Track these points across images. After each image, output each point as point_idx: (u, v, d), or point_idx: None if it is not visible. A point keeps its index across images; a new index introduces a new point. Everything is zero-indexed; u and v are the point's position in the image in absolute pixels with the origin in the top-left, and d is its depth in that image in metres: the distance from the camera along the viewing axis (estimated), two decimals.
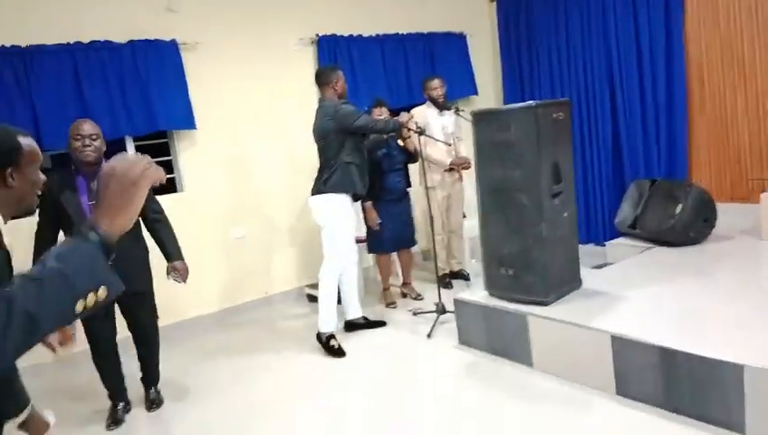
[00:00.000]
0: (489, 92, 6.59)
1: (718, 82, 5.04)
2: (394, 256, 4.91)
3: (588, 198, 5.92)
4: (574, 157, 5.80)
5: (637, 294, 3.30)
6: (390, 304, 4.75)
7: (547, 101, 3.30)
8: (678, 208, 4.11)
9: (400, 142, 4.47)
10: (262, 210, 5.10)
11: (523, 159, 3.20)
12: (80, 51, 4.13)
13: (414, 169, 4.93)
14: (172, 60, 4.52)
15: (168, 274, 3.36)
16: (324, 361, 3.86)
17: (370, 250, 4.75)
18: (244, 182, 5.01)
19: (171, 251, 3.37)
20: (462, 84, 6.17)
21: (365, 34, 5.53)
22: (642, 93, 5.37)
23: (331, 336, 3.94)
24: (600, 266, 4.09)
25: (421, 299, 4.79)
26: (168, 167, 4.76)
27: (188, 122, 4.61)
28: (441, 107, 4.82)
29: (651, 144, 5.39)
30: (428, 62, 5.93)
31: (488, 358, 3.49)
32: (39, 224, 3.07)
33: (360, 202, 4.43)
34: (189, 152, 4.76)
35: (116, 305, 3.30)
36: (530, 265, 3.28)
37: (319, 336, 3.97)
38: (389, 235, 4.58)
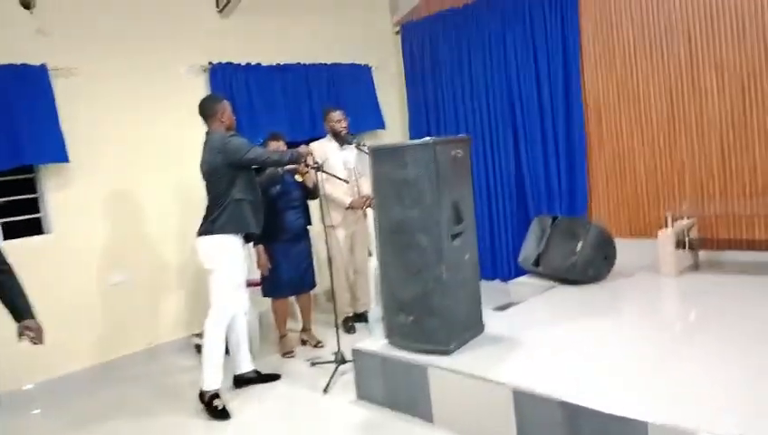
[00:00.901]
0: (397, 126, 6.47)
1: (616, 121, 5.15)
2: (293, 299, 4.57)
3: (493, 233, 5.88)
4: (479, 191, 5.88)
5: (540, 338, 3.16)
6: (287, 354, 4.38)
7: (446, 138, 3.15)
8: (579, 246, 4.06)
9: (298, 178, 4.19)
10: (147, 251, 4.62)
11: (421, 199, 3.00)
12: None
13: (315, 205, 4.65)
14: (41, 86, 4.02)
15: (19, 336, 2.79)
16: (206, 425, 3.43)
17: (266, 294, 4.38)
18: (126, 220, 4.53)
19: (21, 308, 2.78)
20: (368, 117, 6.01)
21: (264, 63, 5.25)
22: (543, 131, 5.41)
23: (215, 395, 3.52)
24: (502, 308, 3.95)
25: (321, 347, 4.46)
26: (33, 206, 4.21)
27: (59, 155, 4.10)
28: (342, 141, 4.59)
29: (553, 180, 5.42)
30: (333, 94, 5.72)
31: (387, 414, 3.21)
32: None
33: (252, 243, 4.09)
34: (60, 189, 4.23)
35: None
36: (431, 311, 3.06)
37: (202, 395, 3.54)
38: (286, 277, 4.25)
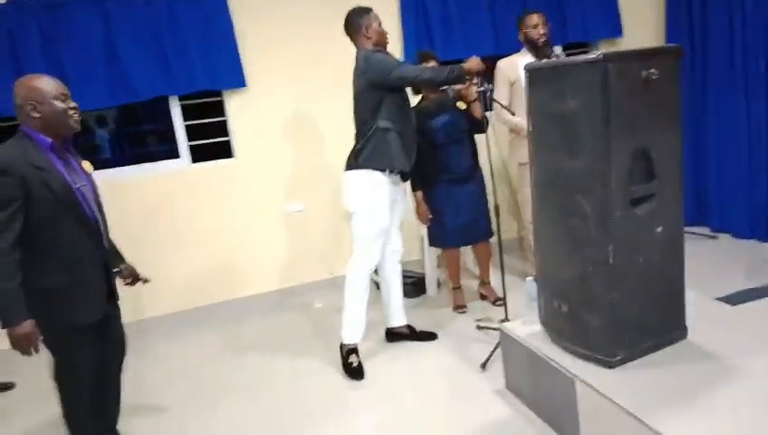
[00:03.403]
0: (644, 33, 4.99)
1: None
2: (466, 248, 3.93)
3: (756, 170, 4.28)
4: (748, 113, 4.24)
5: None
6: (458, 308, 3.82)
7: (630, 51, 2.06)
8: None
9: (461, 105, 3.41)
10: (327, 180, 4.41)
11: (583, 144, 2.05)
12: (112, 1, 3.71)
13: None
14: (218, 8, 3.92)
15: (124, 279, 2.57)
16: (337, 378, 3.14)
17: (432, 243, 3.81)
18: (305, 147, 4.35)
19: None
20: (598, 20, 4.72)
21: None
22: None
23: (352, 350, 3.18)
24: (739, 298, 2.72)
25: (501, 305, 3.77)
26: (222, 129, 4.27)
27: (237, 80, 4.03)
28: (540, 54, 3.61)
29: None
30: None
31: (529, 419, 2.47)
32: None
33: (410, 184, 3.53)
34: (243, 113, 4.19)
35: None
36: (590, 304, 2.16)
37: (341, 347, 3.24)
38: (453, 224, 3.59)
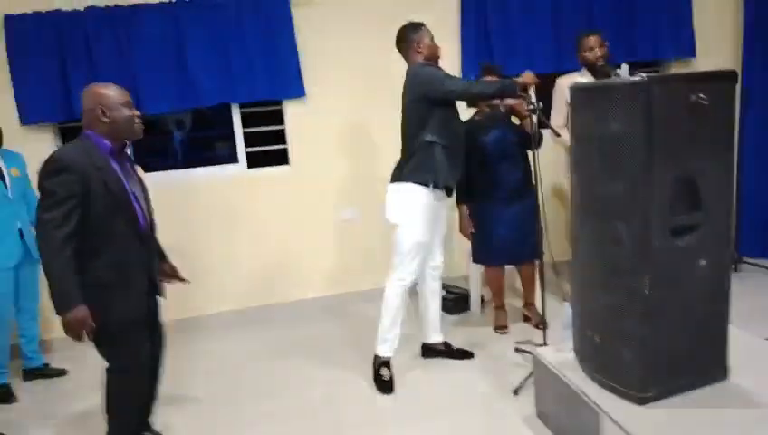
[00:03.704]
0: (723, 51, 4.74)
1: None
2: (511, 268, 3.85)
3: None
4: None
5: None
6: (500, 329, 3.74)
7: (677, 74, 1.98)
8: None
9: (515, 120, 3.34)
10: (380, 191, 4.43)
11: (625, 168, 1.97)
12: (182, 9, 3.90)
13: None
14: (282, 18, 4.04)
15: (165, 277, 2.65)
16: (366, 389, 3.14)
17: (475, 259, 3.76)
18: (360, 157, 4.40)
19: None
20: (668, 39, 4.53)
21: None
22: None
23: (384, 363, 3.17)
24: None
25: (543, 328, 3.66)
26: (281, 137, 4.39)
27: (297, 90, 4.14)
28: (599, 74, 3.51)
29: None
30: (619, 8, 4.43)
31: None
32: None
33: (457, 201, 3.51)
34: (300, 121, 4.30)
35: None
36: (623, 336, 2.07)
37: (375, 359, 3.24)
38: (499, 243, 3.54)
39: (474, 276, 4.12)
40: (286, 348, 3.82)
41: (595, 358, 2.23)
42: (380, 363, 3.18)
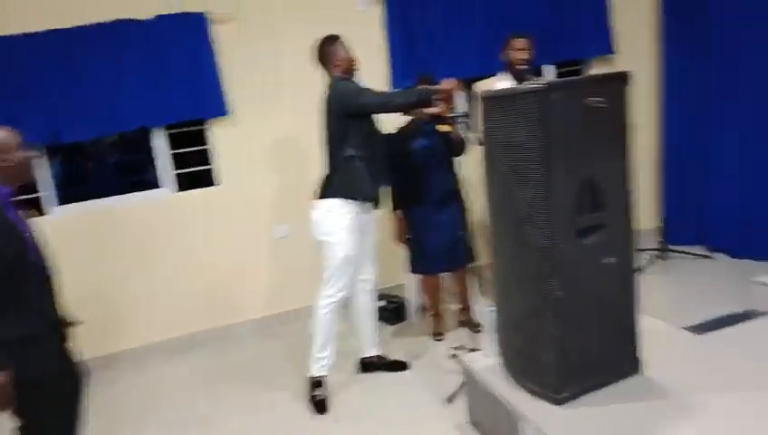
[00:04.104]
0: (638, 51, 4.93)
1: None
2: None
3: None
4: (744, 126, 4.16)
5: (733, 410, 1.92)
6: (436, 336, 3.76)
7: (575, 79, 2.04)
8: None
9: (443, 128, 3.38)
10: (310, 207, 4.40)
11: (530, 173, 2.00)
12: (97, 32, 3.75)
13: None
14: (200, 35, 3.95)
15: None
16: (297, 413, 3.09)
17: (411, 268, 3.76)
18: (290, 173, 4.34)
19: None
20: (589, 39, 4.68)
21: None
22: None
23: (317, 383, 3.12)
24: (708, 326, 2.62)
25: (479, 331, 3.71)
26: (204, 157, 4.29)
27: (219, 109, 4.05)
28: (519, 78, 3.58)
29: None
30: (544, 12, 4.54)
31: None
32: None
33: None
34: (226, 140, 4.20)
35: None
36: (539, 337, 2.10)
37: (309, 379, 3.18)
38: (433, 250, 3.56)
39: (409, 285, 4.13)
40: (224, 374, 3.73)
41: (515, 361, 2.25)
42: (314, 383, 3.13)
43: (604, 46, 4.74)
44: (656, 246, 4.65)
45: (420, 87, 2.99)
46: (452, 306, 4.04)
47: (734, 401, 1.95)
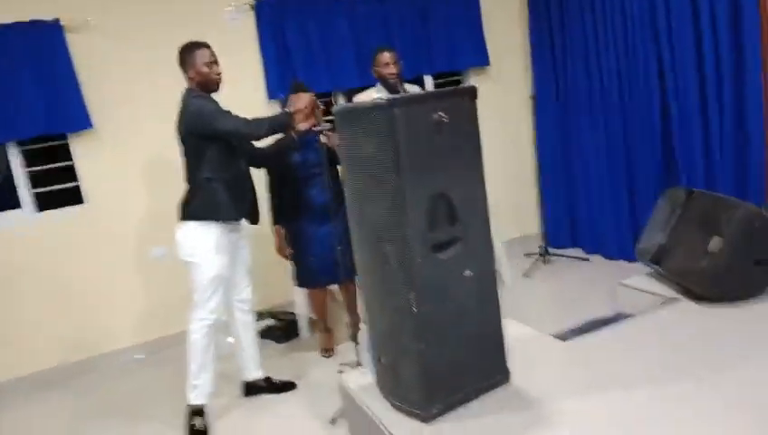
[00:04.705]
0: (513, 60, 5.10)
1: None
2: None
3: (632, 204, 4.41)
4: (609, 144, 4.33)
5: (598, 410, 1.97)
6: (326, 352, 3.68)
7: (421, 94, 2.02)
8: (715, 242, 2.61)
9: (324, 139, 3.30)
10: None
11: (382, 189, 1.96)
12: None
13: None
14: (55, 44, 3.66)
15: None
16: None
17: (297, 282, 3.66)
18: (162, 188, 4.09)
19: None
20: (464, 50, 4.77)
21: None
22: (701, 68, 3.73)
23: (196, 412, 2.96)
24: (574, 332, 2.71)
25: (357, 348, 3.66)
26: (71, 174, 3.98)
27: (81, 122, 3.78)
28: (393, 90, 3.57)
29: (714, 145, 3.75)
30: (419, 25, 4.59)
31: None
32: None
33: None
34: (91, 156, 3.93)
35: None
36: (402, 354, 2.06)
37: (187, 408, 3.00)
38: (316, 263, 3.48)
39: (299, 300, 4.02)
40: (97, 408, 3.48)
41: (386, 379, 2.20)
42: (192, 412, 2.96)
43: (479, 58, 4.86)
44: (538, 251, 4.81)
45: (276, 113, 2.87)
46: (345, 320, 3.97)
47: (596, 406, 2.00)
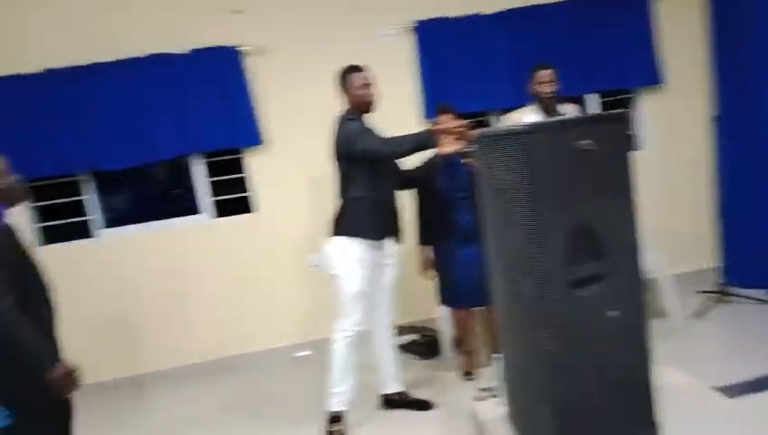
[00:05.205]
0: (692, 80, 4.61)
1: None
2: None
3: None
4: None
5: None
6: (466, 375, 3.61)
7: (563, 120, 1.90)
8: None
9: (468, 160, 3.26)
10: None
11: (518, 219, 1.88)
12: (135, 65, 3.96)
13: None
14: (234, 67, 4.07)
15: None
16: None
17: (441, 301, 3.65)
18: (327, 202, 4.35)
19: None
20: (632, 67, 4.43)
21: (484, 12, 4.29)
22: None
23: (336, 418, 3.07)
24: (743, 388, 2.35)
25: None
26: (241, 185, 4.39)
27: (252, 138, 4.15)
28: (548, 109, 3.42)
29: None
30: (579, 41, 4.34)
31: None
32: None
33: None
34: (263, 169, 4.30)
35: None
36: (537, 393, 1.95)
37: (327, 414, 3.13)
38: (461, 285, 3.44)
39: (443, 318, 4.00)
40: (243, 402, 3.75)
41: (518, 413, 2.11)
42: (332, 418, 3.08)
43: (650, 76, 4.47)
44: (713, 289, 4.27)
45: (420, 131, 2.86)
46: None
47: None
